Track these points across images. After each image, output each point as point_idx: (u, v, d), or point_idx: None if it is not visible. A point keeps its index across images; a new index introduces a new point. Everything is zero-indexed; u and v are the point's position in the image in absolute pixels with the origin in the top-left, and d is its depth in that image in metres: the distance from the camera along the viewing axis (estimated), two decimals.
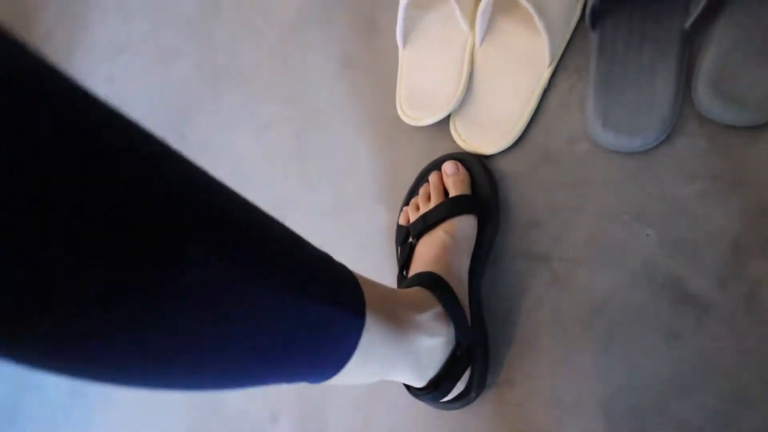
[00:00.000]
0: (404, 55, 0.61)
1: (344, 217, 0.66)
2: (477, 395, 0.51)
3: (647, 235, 0.48)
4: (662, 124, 0.46)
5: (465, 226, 0.51)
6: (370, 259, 0.63)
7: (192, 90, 0.86)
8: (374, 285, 0.40)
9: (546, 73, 0.53)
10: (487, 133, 0.55)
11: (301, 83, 0.73)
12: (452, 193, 0.52)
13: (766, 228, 0.44)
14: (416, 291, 0.45)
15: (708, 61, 0.45)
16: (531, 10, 0.49)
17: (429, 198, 0.53)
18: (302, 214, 0.70)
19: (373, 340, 0.36)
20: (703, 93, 0.45)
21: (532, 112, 0.53)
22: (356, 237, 0.65)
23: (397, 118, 0.60)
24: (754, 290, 0.44)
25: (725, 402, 0.43)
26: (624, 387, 0.47)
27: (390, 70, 0.63)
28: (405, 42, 0.60)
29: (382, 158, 0.64)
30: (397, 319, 0.39)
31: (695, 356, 0.45)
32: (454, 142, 0.56)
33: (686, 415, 0.44)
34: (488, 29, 0.55)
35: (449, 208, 0.50)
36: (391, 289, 0.43)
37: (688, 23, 0.46)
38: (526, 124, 0.53)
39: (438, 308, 0.44)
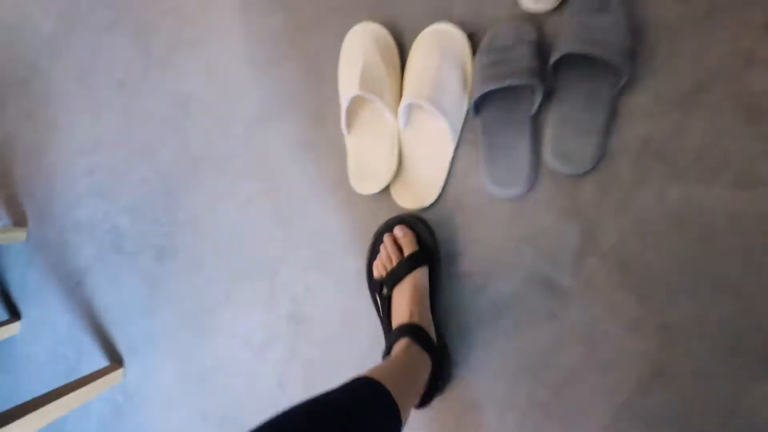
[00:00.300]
0: (349, 140, 0.83)
1: (323, 267, 0.86)
2: (443, 390, 0.73)
3: (528, 251, 0.72)
4: (527, 179, 0.71)
5: (421, 275, 0.72)
6: (348, 297, 0.83)
7: (174, 177, 1.03)
8: (390, 374, 0.59)
9: (451, 147, 0.76)
10: (417, 193, 0.78)
11: (271, 164, 0.93)
12: (406, 251, 0.73)
13: (595, 240, 0.69)
14: (407, 351, 0.65)
15: (548, 135, 0.71)
16: (433, 109, 0.72)
17: (389, 257, 0.74)
18: (289, 269, 0.89)
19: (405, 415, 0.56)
20: (547, 156, 0.70)
21: (446, 176, 0.77)
22: (335, 281, 0.85)
23: (351, 190, 0.82)
24: (592, 276, 0.69)
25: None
26: (521, 354, 0.71)
27: (340, 151, 0.85)
28: (349, 130, 0.82)
29: (345, 219, 0.85)
30: (414, 387, 0.62)
31: (564, 327, 0.69)
32: (395, 202, 0.79)
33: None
34: (407, 119, 0.78)
35: (409, 265, 0.72)
36: (397, 365, 0.62)
37: (533, 111, 0.71)
38: (443, 185, 0.77)
39: (425, 356, 0.66)
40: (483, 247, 0.75)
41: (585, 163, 0.69)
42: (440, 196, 0.77)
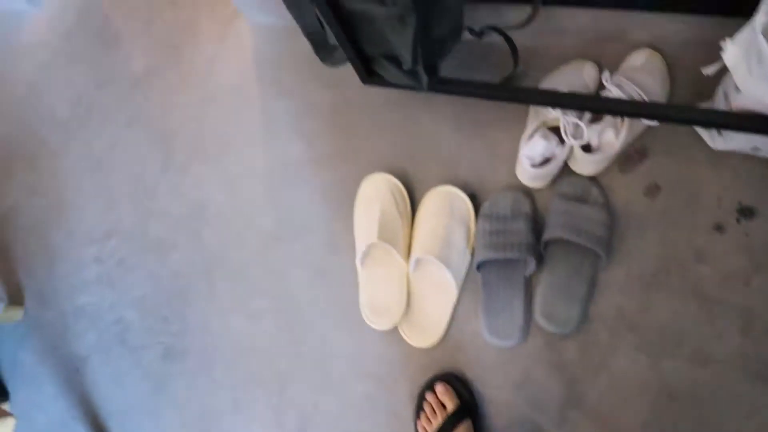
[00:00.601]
0: (362, 273, 0.93)
1: (331, 389, 0.95)
2: None
3: (520, 396, 0.83)
4: (521, 332, 0.83)
5: (466, 429, 0.82)
6: (355, 421, 0.92)
7: (186, 278, 1.10)
8: None
9: (455, 294, 0.87)
10: (423, 332, 0.88)
11: (285, 282, 1.01)
12: (449, 407, 0.83)
13: (577, 394, 0.81)
14: None
15: (538, 297, 0.83)
16: (441, 265, 0.83)
17: (434, 412, 0.83)
18: (298, 386, 0.96)
19: None
20: (537, 315, 0.82)
21: (450, 320, 0.88)
22: (342, 404, 0.93)
23: (362, 318, 0.92)
24: (574, 428, 0.80)
25: None
26: None
27: (352, 281, 0.95)
28: (362, 265, 0.91)
29: (354, 345, 0.94)
30: None
31: None
32: (403, 339, 0.89)
33: None
34: (416, 266, 0.89)
35: (453, 421, 0.81)
36: None
37: (527, 274, 0.83)
38: (446, 327, 0.87)
39: None
40: (480, 386, 0.86)
41: (569, 326, 0.81)
42: (444, 336, 0.88)
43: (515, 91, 0.77)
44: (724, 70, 0.69)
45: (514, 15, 0.82)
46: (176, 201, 1.13)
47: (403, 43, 0.73)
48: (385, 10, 0.67)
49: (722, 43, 0.65)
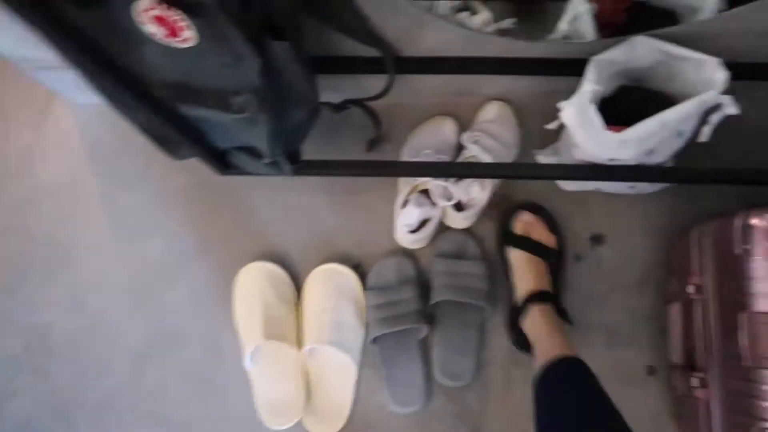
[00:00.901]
0: (254, 374, 0.86)
1: None
2: None
3: None
4: (424, 395, 0.84)
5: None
6: None
7: (36, 425, 0.90)
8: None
9: (354, 373, 0.85)
10: (328, 420, 0.85)
11: (166, 407, 0.89)
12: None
13: (484, 425, 0.85)
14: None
15: (435, 356, 0.84)
16: (336, 350, 0.81)
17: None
18: None
19: None
20: (437, 374, 0.84)
21: (354, 399, 0.85)
22: None
23: (260, 420, 0.85)
24: None
25: None
26: None
27: (243, 383, 0.87)
28: (253, 365, 0.84)
29: None
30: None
31: None
32: (306, 429, 0.85)
33: None
34: (310, 353, 0.84)
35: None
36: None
37: (421, 337, 0.84)
38: (351, 408, 0.85)
39: None
40: None
41: (467, 377, 0.84)
42: (350, 417, 0.85)
43: (381, 167, 0.77)
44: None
45: (371, 83, 0.81)
46: (8, 336, 0.93)
47: (257, 139, 0.68)
48: (230, 117, 0.61)
49: (559, 104, 0.71)
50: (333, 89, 0.88)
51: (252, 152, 0.73)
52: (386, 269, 0.86)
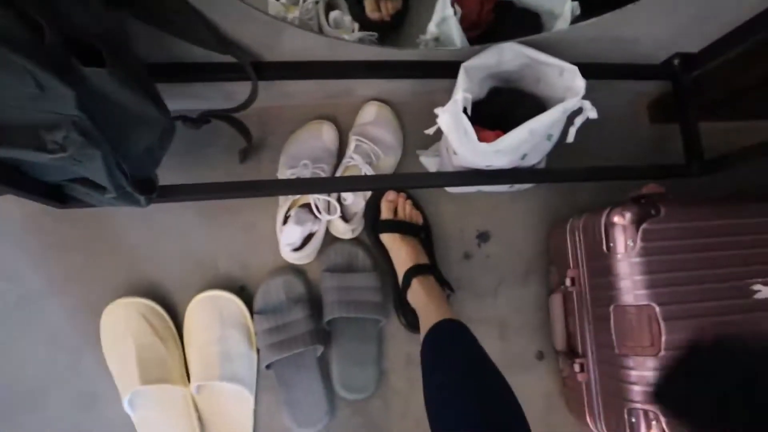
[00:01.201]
0: (136, 420, 0.77)
1: None
2: None
3: None
4: (327, 413, 0.81)
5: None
6: None
7: None
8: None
9: (251, 401, 0.80)
10: None
11: None
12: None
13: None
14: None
15: (334, 371, 0.82)
16: (226, 384, 0.75)
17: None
18: None
19: None
20: (338, 388, 0.82)
21: (254, 428, 0.80)
22: None
23: None
24: None
25: None
26: None
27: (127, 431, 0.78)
28: (134, 411, 0.76)
29: None
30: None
31: None
32: None
33: None
34: (199, 390, 0.78)
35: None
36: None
37: (318, 355, 0.81)
38: None
39: None
40: None
41: (369, 388, 0.82)
42: None
43: (250, 188, 0.70)
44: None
45: (238, 89, 0.73)
46: None
47: (94, 173, 0.58)
48: (50, 157, 0.51)
49: (435, 111, 0.69)
50: (195, 98, 0.79)
51: (93, 185, 0.62)
52: (273, 290, 0.80)
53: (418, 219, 0.86)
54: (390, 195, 0.84)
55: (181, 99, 0.79)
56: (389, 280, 0.84)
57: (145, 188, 0.65)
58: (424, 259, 0.80)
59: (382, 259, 0.84)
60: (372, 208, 0.84)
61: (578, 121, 0.68)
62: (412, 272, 0.77)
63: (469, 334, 0.65)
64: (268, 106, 0.88)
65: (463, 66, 0.67)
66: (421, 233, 0.85)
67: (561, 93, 0.68)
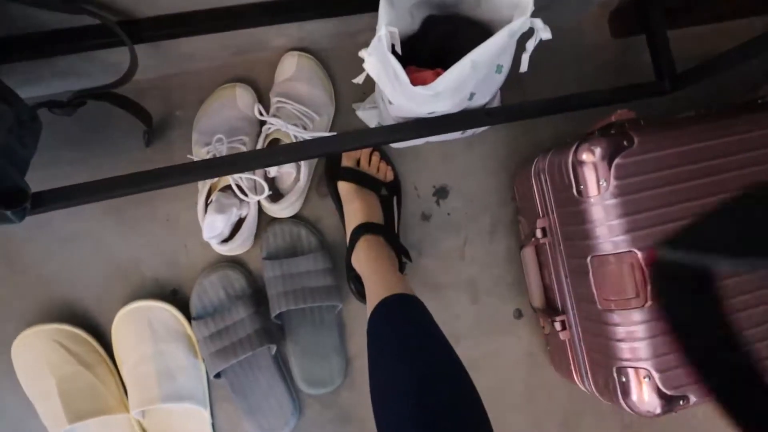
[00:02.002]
0: None
1: None
2: None
3: None
4: (293, 413, 0.73)
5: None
6: None
7: None
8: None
9: (207, 415, 0.71)
10: None
11: None
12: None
13: (367, 420, 0.78)
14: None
15: (294, 368, 0.73)
16: (172, 405, 0.66)
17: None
18: None
19: None
20: (301, 385, 0.74)
21: None
22: None
23: None
24: None
25: None
26: None
27: None
28: None
29: None
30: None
31: None
32: None
33: None
34: (143, 415, 0.69)
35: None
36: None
37: (273, 353, 0.72)
38: None
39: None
40: None
41: (336, 380, 0.74)
42: None
43: (150, 180, 0.57)
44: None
45: (120, 58, 0.59)
46: None
47: None
48: None
49: (361, 53, 0.57)
50: (69, 76, 0.65)
51: None
52: (210, 289, 0.70)
53: (386, 174, 0.75)
54: None
55: (48, 80, 0.65)
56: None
57: (11, 201, 0.52)
58: (377, 218, 0.70)
59: (341, 215, 0.74)
60: (331, 158, 0.74)
61: (530, 45, 0.56)
62: (360, 231, 0.68)
63: (418, 313, 0.56)
64: (167, 74, 0.73)
65: None
66: (382, 189, 0.74)
67: (507, 14, 0.56)
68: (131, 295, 0.71)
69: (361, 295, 0.71)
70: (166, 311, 0.69)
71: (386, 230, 0.70)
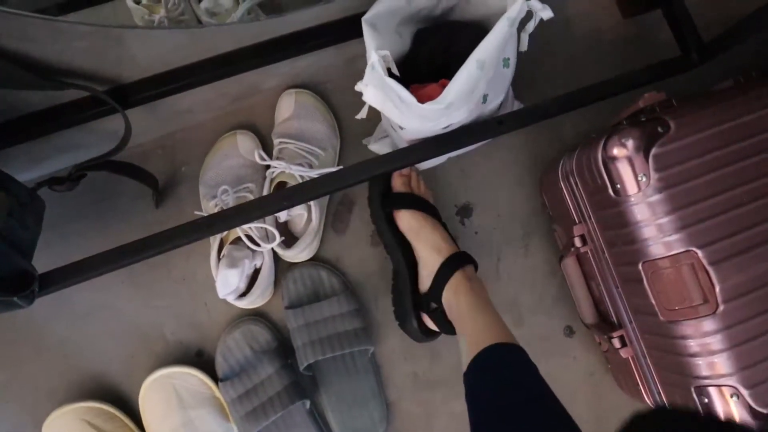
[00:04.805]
0: None
1: None
2: None
3: None
4: None
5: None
6: None
7: None
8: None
9: None
10: None
11: None
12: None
13: None
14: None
15: (332, 421, 0.68)
16: None
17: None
18: None
19: None
20: None
21: None
22: None
23: None
24: None
25: None
26: None
27: None
28: None
29: None
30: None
31: None
32: None
33: None
34: None
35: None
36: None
37: (307, 408, 0.67)
38: None
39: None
40: None
41: (377, 429, 0.69)
42: None
43: (158, 244, 0.55)
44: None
45: (118, 129, 0.58)
46: None
47: None
48: None
49: (357, 87, 0.53)
50: (71, 150, 0.65)
51: None
52: (234, 346, 0.66)
53: (430, 197, 0.70)
54: (402, 170, 0.67)
55: (51, 158, 0.65)
56: (401, 275, 0.66)
57: (17, 284, 0.51)
58: (456, 246, 0.64)
59: (397, 245, 0.66)
60: (379, 183, 0.68)
61: (530, 26, 0.51)
62: (454, 263, 0.61)
63: (532, 368, 0.50)
64: (169, 132, 0.72)
65: (363, 20, 0.51)
66: (439, 215, 0.68)
67: (500, 4, 0.52)
68: (156, 362, 0.68)
69: (428, 334, 0.66)
70: (192, 376, 0.66)
71: (472, 258, 0.64)
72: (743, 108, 0.52)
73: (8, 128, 0.55)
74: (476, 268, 0.64)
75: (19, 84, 0.49)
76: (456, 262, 0.61)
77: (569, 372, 0.73)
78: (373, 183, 0.68)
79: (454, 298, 0.60)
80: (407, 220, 0.65)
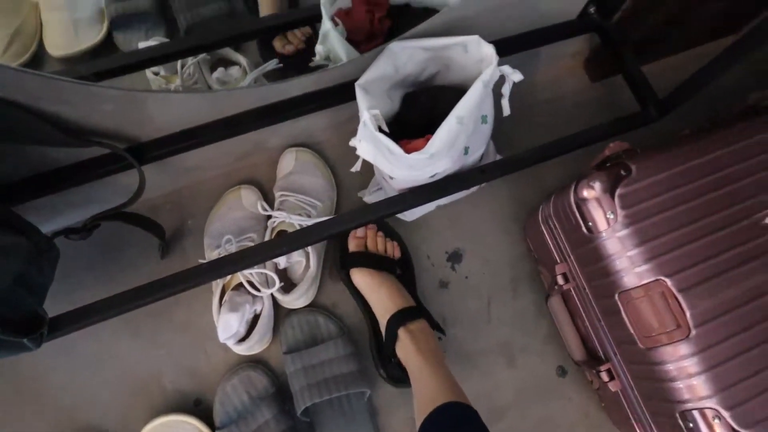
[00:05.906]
0: None
1: None
2: None
3: None
4: None
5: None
6: None
7: None
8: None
9: None
10: None
11: None
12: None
13: None
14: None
15: None
16: None
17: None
18: None
19: None
20: None
21: None
22: None
23: None
24: None
25: None
26: None
27: None
28: None
29: None
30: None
31: None
32: None
33: None
34: None
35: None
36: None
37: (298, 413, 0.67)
38: None
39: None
40: None
41: None
42: None
43: (163, 288, 0.58)
44: None
45: (130, 181, 0.63)
46: None
47: None
48: None
49: (351, 143, 0.59)
50: (87, 204, 0.69)
51: None
52: (232, 393, 0.67)
53: (394, 252, 0.73)
54: (357, 232, 0.72)
55: (67, 210, 0.69)
56: (368, 328, 0.71)
57: (28, 327, 0.54)
58: (407, 300, 0.67)
59: (359, 302, 0.71)
60: (339, 247, 0.73)
61: (506, 90, 0.58)
62: (398, 320, 0.64)
63: (481, 426, 0.52)
64: (178, 188, 0.78)
65: (357, 85, 0.58)
66: (396, 269, 0.72)
67: (476, 69, 0.59)
68: (154, 411, 0.68)
69: (396, 381, 0.68)
70: (187, 424, 0.66)
71: (424, 311, 0.67)
72: (699, 150, 0.58)
73: (37, 181, 0.60)
74: (430, 320, 0.67)
75: (51, 141, 0.55)
76: (399, 320, 0.64)
77: (566, 414, 0.74)
78: (334, 248, 0.74)
79: (404, 357, 0.63)
80: (357, 279, 0.70)
